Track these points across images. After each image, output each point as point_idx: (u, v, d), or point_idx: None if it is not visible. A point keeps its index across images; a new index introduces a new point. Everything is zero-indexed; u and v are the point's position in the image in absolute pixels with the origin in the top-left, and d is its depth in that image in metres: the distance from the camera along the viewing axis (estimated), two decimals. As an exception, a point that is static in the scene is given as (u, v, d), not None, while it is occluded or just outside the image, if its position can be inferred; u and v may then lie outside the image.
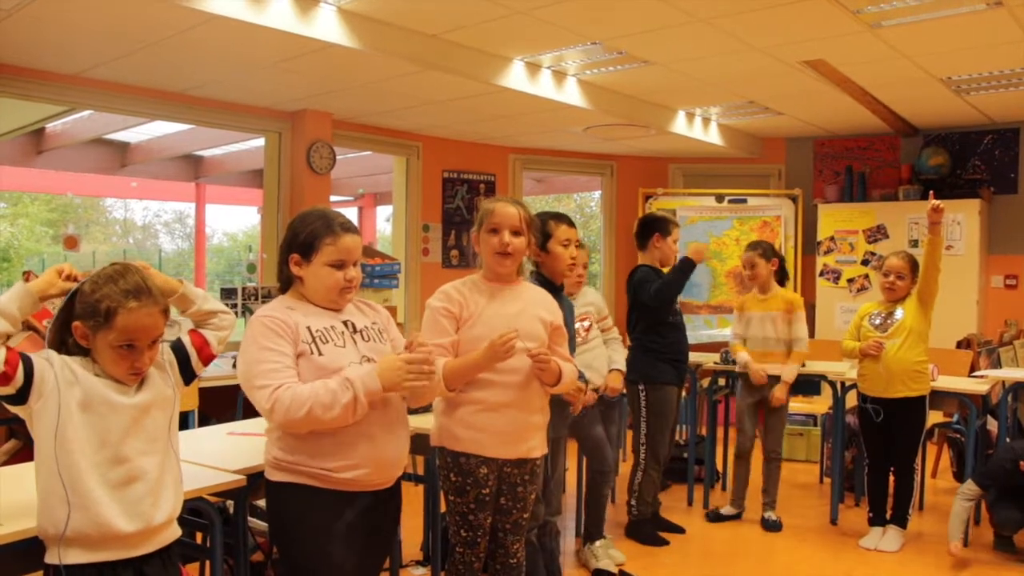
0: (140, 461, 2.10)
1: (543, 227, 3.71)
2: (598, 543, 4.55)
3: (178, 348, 2.30)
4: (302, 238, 2.55)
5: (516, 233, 2.99)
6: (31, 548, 2.09)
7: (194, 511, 2.62)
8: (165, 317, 2.16)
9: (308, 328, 2.48)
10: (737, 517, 5.35)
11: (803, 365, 5.25)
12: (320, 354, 2.45)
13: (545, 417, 3.08)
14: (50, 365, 2.05)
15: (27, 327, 4.71)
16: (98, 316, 2.06)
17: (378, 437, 2.51)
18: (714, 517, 5.34)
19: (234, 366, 5.43)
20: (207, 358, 2.34)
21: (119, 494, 2.05)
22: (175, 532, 2.21)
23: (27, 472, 2.79)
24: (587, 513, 4.63)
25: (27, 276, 4.90)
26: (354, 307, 2.67)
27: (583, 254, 4.34)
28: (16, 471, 2.87)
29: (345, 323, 2.58)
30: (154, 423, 2.16)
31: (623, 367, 4.63)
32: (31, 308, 2.06)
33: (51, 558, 2.04)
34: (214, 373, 4.96)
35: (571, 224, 3.80)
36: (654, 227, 4.99)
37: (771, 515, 5.21)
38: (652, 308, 4.88)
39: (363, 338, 2.58)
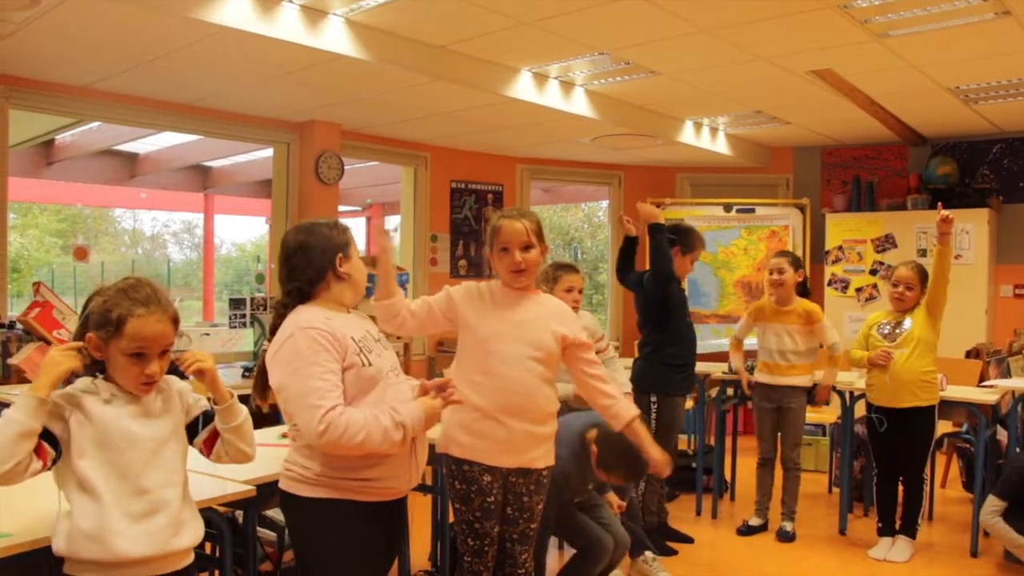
0: (162, 493, 2.13)
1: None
2: (647, 556, 4.50)
3: (206, 414, 2.33)
4: (337, 239, 2.64)
5: (527, 248, 2.99)
6: (45, 558, 2.11)
7: (204, 521, 2.62)
8: (175, 327, 2.18)
9: (353, 339, 2.50)
10: (763, 528, 5.31)
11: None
12: (370, 364, 2.50)
13: (551, 428, 3.08)
14: (62, 420, 2.07)
15: (38, 337, 4.75)
16: (109, 325, 2.09)
17: (414, 445, 2.58)
18: (746, 531, 5.29)
19: (243, 376, 5.47)
20: (204, 449, 2.34)
21: (140, 526, 2.08)
22: (191, 557, 2.25)
23: (37, 482, 2.80)
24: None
25: (37, 287, 4.93)
26: (360, 315, 2.71)
27: (578, 279, 4.35)
28: (26, 481, 2.88)
29: (367, 331, 2.63)
30: (173, 455, 2.19)
31: (628, 390, 4.66)
32: (45, 412, 2.02)
33: (70, 570, 2.09)
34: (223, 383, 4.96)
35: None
36: (676, 239, 4.91)
37: (788, 526, 5.19)
38: (667, 308, 4.85)
39: (383, 346, 2.65)
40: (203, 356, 2.24)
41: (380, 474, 2.50)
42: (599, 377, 3.10)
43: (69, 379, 2.17)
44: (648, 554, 4.52)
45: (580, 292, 4.39)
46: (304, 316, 2.51)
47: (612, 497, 4.13)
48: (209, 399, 2.31)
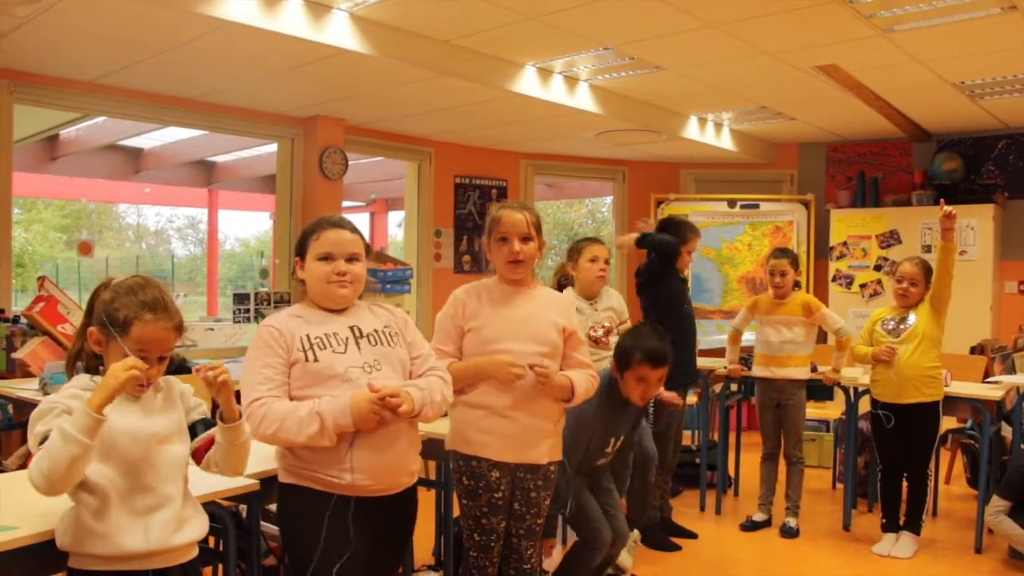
0: (165, 489, 2.14)
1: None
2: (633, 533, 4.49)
3: (203, 422, 2.30)
4: (299, 241, 2.64)
5: (526, 239, 3.01)
6: (49, 552, 2.12)
7: (207, 515, 2.63)
8: (178, 334, 2.20)
9: (307, 336, 2.49)
10: (767, 524, 5.30)
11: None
12: (316, 360, 2.47)
13: (558, 423, 3.09)
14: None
15: (42, 332, 4.76)
16: (116, 325, 2.10)
17: (377, 445, 2.48)
18: (750, 526, 5.29)
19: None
20: (195, 456, 2.30)
21: (144, 521, 2.09)
22: (195, 552, 2.26)
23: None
24: (628, 499, 4.57)
25: (41, 281, 4.94)
26: (367, 311, 2.67)
27: (603, 250, 4.45)
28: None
29: (351, 328, 2.58)
30: (175, 452, 2.20)
31: None
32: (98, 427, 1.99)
33: (75, 564, 2.10)
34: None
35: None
36: (670, 233, 4.93)
37: (791, 521, 5.18)
38: (669, 298, 4.86)
39: (370, 343, 2.57)
40: (226, 376, 2.19)
41: (332, 470, 2.45)
42: (585, 363, 3.13)
43: (70, 375, 2.18)
44: (636, 532, 4.50)
45: (606, 262, 4.44)
46: (270, 316, 2.58)
47: (665, 395, 4.09)
48: (216, 412, 2.28)
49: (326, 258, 2.56)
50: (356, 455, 2.46)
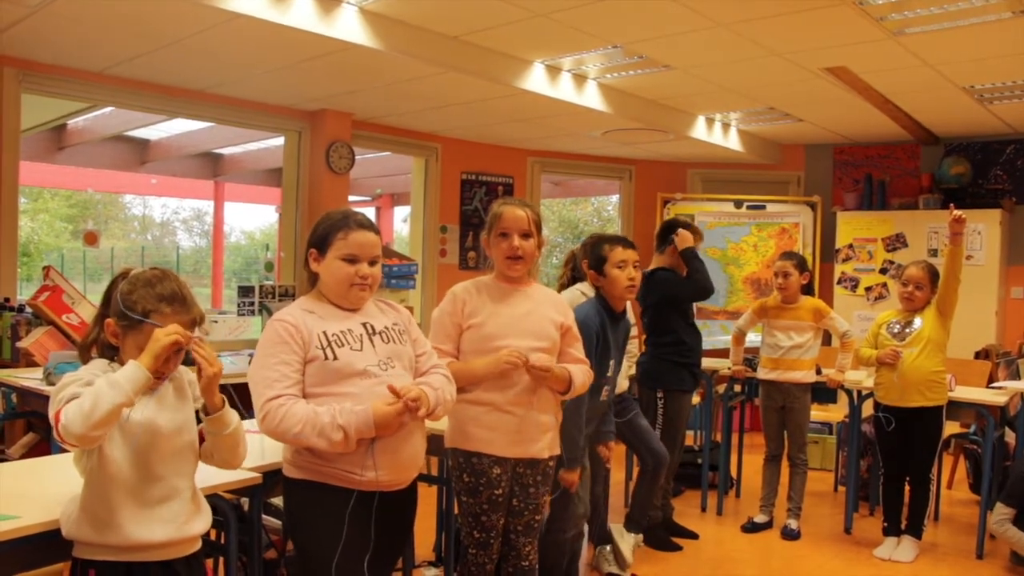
0: (174, 480, 2.15)
1: (598, 250, 3.68)
2: (606, 550, 4.50)
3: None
4: (319, 233, 2.58)
5: (526, 236, 3.02)
6: (53, 540, 2.12)
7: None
8: (194, 329, 2.17)
9: (324, 333, 2.48)
10: (768, 526, 5.30)
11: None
12: (335, 358, 2.45)
13: (556, 418, 3.10)
14: None
15: (47, 321, 4.76)
16: (133, 317, 2.09)
17: (395, 444, 2.50)
18: (751, 528, 5.29)
19: (251, 363, 5.49)
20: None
21: (152, 512, 2.10)
22: (199, 544, 2.26)
23: (45, 465, 2.83)
24: (634, 500, 4.58)
25: (46, 271, 4.94)
26: (375, 308, 2.67)
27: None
28: (34, 464, 2.90)
29: (364, 325, 2.57)
30: (186, 443, 2.20)
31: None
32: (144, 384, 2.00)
33: (80, 553, 2.09)
34: (231, 371, 4.95)
35: (627, 245, 3.71)
36: (672, 237, 4.94)
37: (793, 523, 5.18)
38: (677, 307, 4.88)
39: (383, 340, 2.57)
40: (216, 363, 2.16)
41: (351, 466, 2.46)
42: (581, 359, 3.15)
43: (85, 361, 2.17)
44: (607, 548, 4.51)
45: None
46: (283, 310, 2.54)
47: (603, 450, 3.95)
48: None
49: (351, 260, 2.53)
50: (378, 454, 2.46)
